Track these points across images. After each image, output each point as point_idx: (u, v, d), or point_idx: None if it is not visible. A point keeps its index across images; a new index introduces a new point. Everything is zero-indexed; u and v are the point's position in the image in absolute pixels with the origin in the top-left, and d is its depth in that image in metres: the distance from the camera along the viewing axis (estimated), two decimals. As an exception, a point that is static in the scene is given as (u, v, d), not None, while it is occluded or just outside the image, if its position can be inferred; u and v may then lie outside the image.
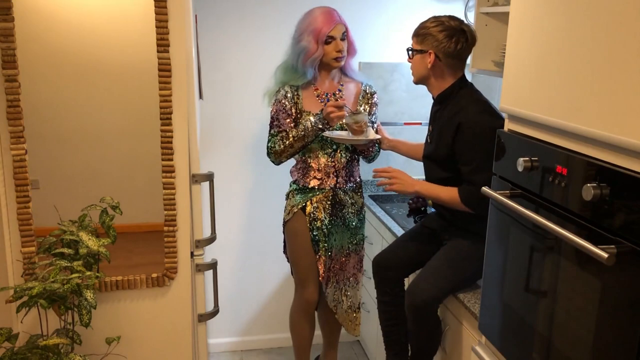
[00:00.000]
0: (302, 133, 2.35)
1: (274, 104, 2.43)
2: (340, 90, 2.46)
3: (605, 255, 1.08)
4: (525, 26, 1.46)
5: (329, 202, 2.45)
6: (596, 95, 1.17)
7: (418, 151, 2.45)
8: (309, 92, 2.43)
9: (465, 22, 2.08)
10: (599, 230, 1.15)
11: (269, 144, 2.43)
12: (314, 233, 2.45)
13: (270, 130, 2.45)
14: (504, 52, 1.60)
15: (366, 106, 2.48)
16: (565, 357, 1.31)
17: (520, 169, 1.39)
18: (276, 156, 2.43)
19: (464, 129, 1.92)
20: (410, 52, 2.10)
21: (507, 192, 1.48)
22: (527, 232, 1.44)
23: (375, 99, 2.52)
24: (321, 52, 2.33)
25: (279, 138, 2.40)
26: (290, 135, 2.37)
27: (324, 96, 2.44)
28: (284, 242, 2.61)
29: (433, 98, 2.14)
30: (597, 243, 1.12)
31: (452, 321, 2.03)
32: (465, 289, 1.99)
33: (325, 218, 2.45)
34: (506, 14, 1.65)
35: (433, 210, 2.28)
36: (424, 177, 3.01)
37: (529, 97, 1.44)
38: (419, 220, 2.45)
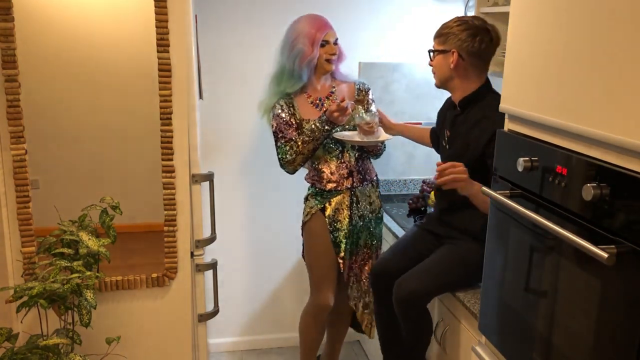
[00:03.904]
0: (310, 137, 2.36)
1: (273, 120, 2.44)
2: (332, 93, 2.49)
3: (605, 255, 1.07)
4: (525, 26, 1.46)
5: (347, 203, 2.45)
6: (596, 95, 1.17)
7: (424, 135, 2.42)
8: (302, 100, 2.46)
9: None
10: (599, 230, 1.15)
11: (280, 156, 2.43)
12: (335, 234, 2.45)
13: (277, 143, 2.44)
14: (504, 52, 1.60)
15: (364, 103, 2.49)
16: (566, 357, 1.31)
17: (520, 169, 1.39)
18: (289, 165, 2.42)
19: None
20: (431, 54, 2.05)
21: (507, 192, 1.48)
22: (527, 232, 1.44)
23: (370, 95, 2.54)
24: (316, 54, 2.36)
25: (288, 147, 2.39)
26: (299, 142, 2.37)
27: (317, 101, 2.46)
28: (303, 245, 2.60)
29: (454, 102, 2.08)
30: (597, 243, 1.11)
31: (452, 321, 2.03)
32: (458, 291, 1.98)
33: (345, 218, 2.45)
34: (506, 14, 1.65)
35: (432, 210, 2.27)
36: (423, 176, 3.02)
37: (529, 97, 1.43)
38: (419, 220, 2.45)
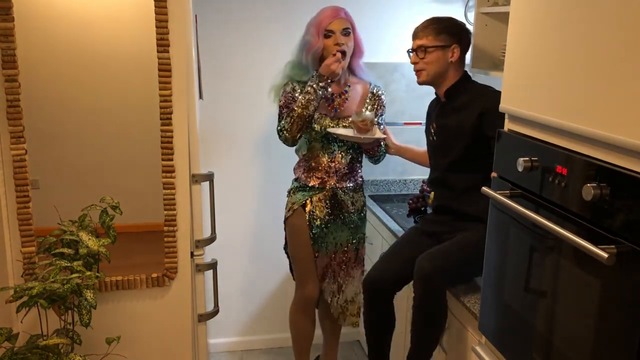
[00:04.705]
0: (306, 98, 2.31)
1: (282, 96, 2.42)
2: (346, 92, 2.47)
3: (605, 255, 1.07)
4: (525, 26, 1.46)
5: (328, 201, 2.46)
6: (596, 95, 1.17)
7: (425, 159, 2.43)
8: None
9: (465, 22, 2.12)
10: (599, 230, 1.15)
11: (279, 127, 2.41)
12: (313, 231, 2.46)
13: (279, 118, 2.43)
14: (504, 52, 1.60)
15: (373, 107, 2.48)
16: (566, 357, 1.31)
17: (520, 169, 1.39)
18: (287, 133, 2.38)
19: (490, 113, 1.87)
20: (427, 49, 2.06)
21: (507, 192, 1.48)
22: (527, 232, 1.44)
23: (382, 101, 2.52)
24: (321, 45, 2.33)
25: (287, 116, 2.38)
26: (296, 108, 2.33)
27: (330, 96, 2.43)
28: (285, 238, 2.62)
29: (438, 95, 2.16)
30: (597, 243, 1.11)
31: (453, 321, 2.03)
32: (467, 283, 1.98)
33: (324, 217, 2.46)
34: (506, 14, 1.65)
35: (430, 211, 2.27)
36: (423, 176, 3.01)
37: (529, 97, 1.44)
38: (419, 220, 2.45)
